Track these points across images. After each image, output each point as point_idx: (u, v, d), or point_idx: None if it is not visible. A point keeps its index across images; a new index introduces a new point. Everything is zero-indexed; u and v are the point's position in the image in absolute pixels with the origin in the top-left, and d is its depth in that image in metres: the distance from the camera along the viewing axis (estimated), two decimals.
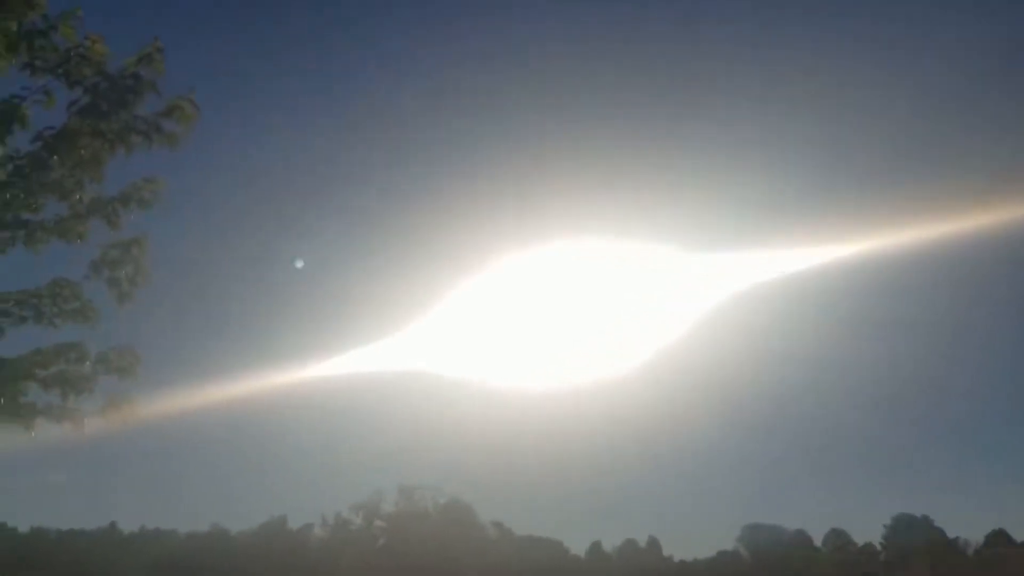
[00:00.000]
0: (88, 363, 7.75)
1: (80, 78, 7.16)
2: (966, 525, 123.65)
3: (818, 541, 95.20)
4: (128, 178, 7.75)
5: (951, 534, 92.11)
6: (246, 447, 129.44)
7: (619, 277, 76.19)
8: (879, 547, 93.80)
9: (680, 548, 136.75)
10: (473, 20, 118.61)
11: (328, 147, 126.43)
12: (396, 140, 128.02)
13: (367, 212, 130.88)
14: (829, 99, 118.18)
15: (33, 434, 7.72)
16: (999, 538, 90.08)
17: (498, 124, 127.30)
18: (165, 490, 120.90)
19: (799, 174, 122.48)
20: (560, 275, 75.46)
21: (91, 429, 7.82)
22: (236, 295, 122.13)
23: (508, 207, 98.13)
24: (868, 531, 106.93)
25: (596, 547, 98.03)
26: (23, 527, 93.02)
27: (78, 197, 7.58)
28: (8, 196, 7.32)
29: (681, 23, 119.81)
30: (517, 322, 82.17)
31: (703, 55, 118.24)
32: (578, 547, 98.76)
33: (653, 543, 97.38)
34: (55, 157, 7.25)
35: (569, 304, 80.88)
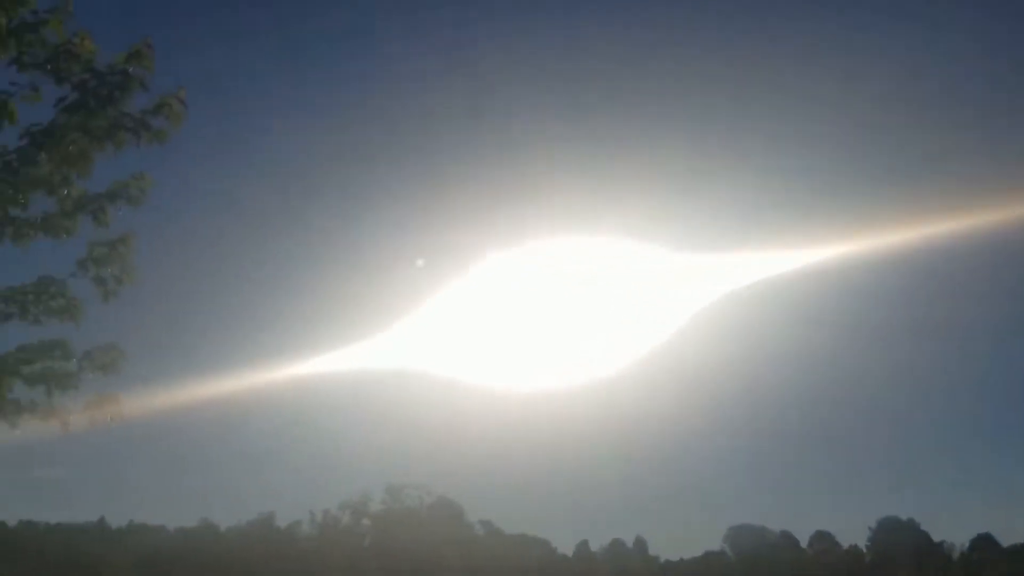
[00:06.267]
0: (73, 360, 7.73)
1: (68, 74, 7.14)
2: (952, 529, 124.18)
3: (804, 542, 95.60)
4: (117, 174, 7.73)
5: (936, 538, 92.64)
6: (235, 444, 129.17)
7: (607, 276, 76.21)
8: (864, 549, 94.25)
9: (667, 548, 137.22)
10: (462, 15, 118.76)
11: (317, 146, 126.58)
12: (385, 139, 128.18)
13: (356, 209, 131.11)
14: (821, 100, 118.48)
15: (18, 431, 7.71)
16: (984, 543, 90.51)
17: (488, 122, 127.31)
18: (154, 486, 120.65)
19: (789, 175, 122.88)
20: (548, 274, 75.43)
21: (76, 426, 7.81)
22: (227, 292, 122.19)
23: (497, 205, 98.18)
24: (853, 533, 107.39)
25: (583, 547, 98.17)
26: (11, 521, 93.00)
27: (66, 193, 7.54)
28: None
29: (676, 23, 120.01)
30: (505, 321, 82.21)
31: (695, 55, 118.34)
32: (566, 547, 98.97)
33: (640, 543, 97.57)
34: (43, 153, 7.22)
35: (557, 304, 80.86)
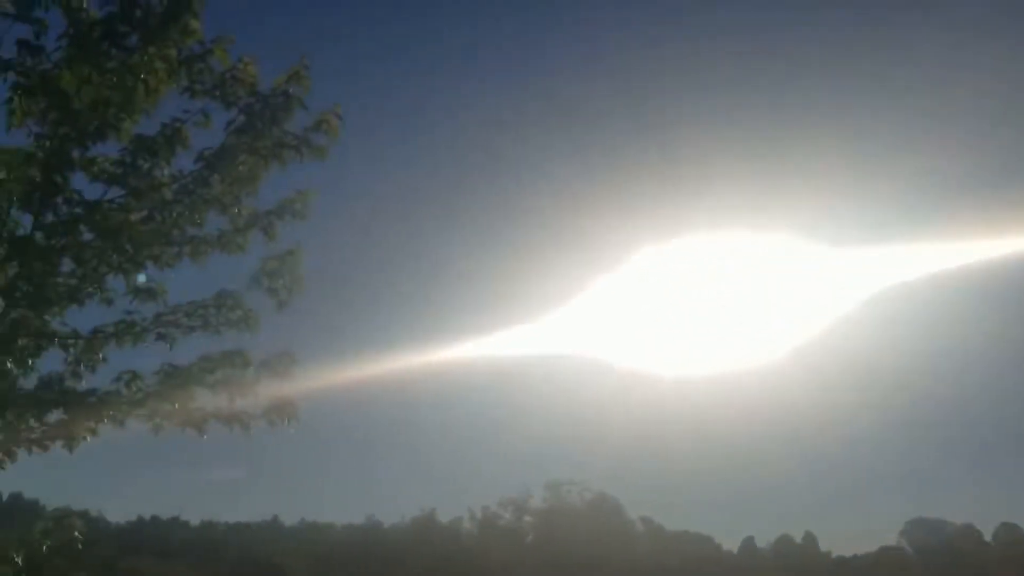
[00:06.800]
0: (251, 368, 8.17)
1: (235, 99, 7.54)
2: None
3: (988, 536, 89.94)
4: (274, 189, 8.13)
5: None
6: (393, 437, 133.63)
7: (766, 271, 74.31)
8: None
9: (839, 544, 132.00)
10: (622, 13, 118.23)
11: (478, 142, 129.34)
12: (544, 134, 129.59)
13: (518, 203, 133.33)
14: (979, 88, 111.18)
15: (205, 436, 8.21)
16: None
17: (651, 121, 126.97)
18: (321, 483, 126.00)
19: (947, 168, 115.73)
20: (707, 267, 74.43)
21: (256, 428, 8.24)
22: (386, 285, 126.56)
23: (658, 199, 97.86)
24: None
25: (749, 543, 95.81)
26: (194, 520, 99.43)
27: (237, 211, 7.99)
28: (175, 213, 7.80)
29: (834, 24, 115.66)
30: (664, 311, 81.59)
31: (847, 46, 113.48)
32: (730, 543, 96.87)
33: (809, 539, 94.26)
34: (215, 175, 7.67)
35: (715, 296, 79.66)
